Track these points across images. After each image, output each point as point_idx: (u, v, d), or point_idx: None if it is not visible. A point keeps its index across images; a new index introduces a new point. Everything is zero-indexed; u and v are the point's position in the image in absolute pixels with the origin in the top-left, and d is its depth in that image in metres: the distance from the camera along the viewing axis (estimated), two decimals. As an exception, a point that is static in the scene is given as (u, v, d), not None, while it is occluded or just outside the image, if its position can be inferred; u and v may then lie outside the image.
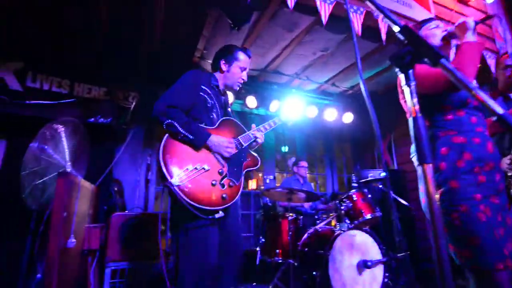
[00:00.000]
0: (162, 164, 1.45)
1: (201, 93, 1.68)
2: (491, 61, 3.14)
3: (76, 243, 2.21)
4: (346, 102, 4.81)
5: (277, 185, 4.93)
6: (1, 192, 2.96)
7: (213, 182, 1.54)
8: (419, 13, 2.83)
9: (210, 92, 1.74)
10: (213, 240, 1.54)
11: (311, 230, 3.03)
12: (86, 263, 2.66)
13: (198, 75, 1.75)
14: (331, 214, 3.40)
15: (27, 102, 2.99)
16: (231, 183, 1.60)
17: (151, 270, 2.79)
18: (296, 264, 2.83)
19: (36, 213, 2.56)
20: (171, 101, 1.55)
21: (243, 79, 1.86)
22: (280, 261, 2.99)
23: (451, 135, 1.31)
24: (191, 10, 2.64)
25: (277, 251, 3.04)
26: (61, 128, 2.68)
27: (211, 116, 1.71)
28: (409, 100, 0.66)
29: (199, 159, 1.55)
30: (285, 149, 5.23)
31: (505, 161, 1.73)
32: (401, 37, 0.69)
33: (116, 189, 3.53)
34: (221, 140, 1.61)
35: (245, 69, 1.85)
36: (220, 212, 1.50)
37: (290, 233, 2.92)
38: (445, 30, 1.46)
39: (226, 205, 1.53)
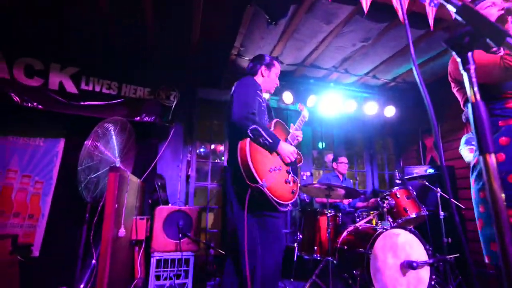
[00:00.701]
0: (252, 168, 1.64)
1: (257, 97, 1.88)
2: None
3: (126, 234, 2.37)
4: (388, 95, 4.57)
5: (314, 182, 4.85)
6: (61, 185, 3.27)
7: (286, 180, 1.83)
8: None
9: (263, 97, 1.97)
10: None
11: (350, 228, 2.94)
12: (134, 252, 2.85)
13: (254, 80, 1.98)
14: (371, 212, 3.27)
15: (82, 103, 3.27)
16: (295, 179, 1.89)
17: (199, 261, 2.91)
18: (335, 262, 2.77)
19: (90, 205, 2.80)
20: (250, 108, 1.74)
21: (277, 84, 2.14)
22: (319, 258, 2.94)
23: (511, 124, 1.19)
24: (230, 6, 2.68)
25: (315, 248, 3.00)
26: (111, 127, 2.88)
27: (265, 118, 1.93)
28: (467, 85, 0.61)
29: (274, 161, 1.80)
30: (322, 145, 5.11)
31: None
32: (459, 18, 0.63)
33: (159, 183, 3.72)
34: (288, 147, 1.85)
35: (278, 75, 2.15)
36: (290, 205, 1.76)
37: (329, 230, 2.86)
38: (502, 8, 1.31)
39: (294, 199, 1.84)
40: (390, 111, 4.49)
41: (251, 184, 1.64)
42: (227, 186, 1.87)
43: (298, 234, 3.19)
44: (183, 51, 3.63)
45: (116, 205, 2.17)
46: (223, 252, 3.28)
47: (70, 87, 3.25)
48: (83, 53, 3.46)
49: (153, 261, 2.84)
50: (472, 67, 0.60)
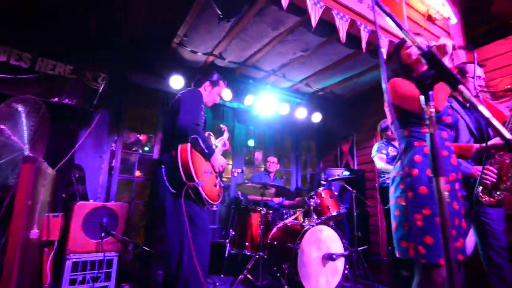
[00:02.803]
0: (191, 168, 1.89)
1: (201, 111, 2.13)
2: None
3: (38, 233, 2.04)
4: (316, 102, 5.00)
5: (245, 179, 4.99)
6: None
7: (215, 184, 2.11)
8: (396, 28, 3.03)
9: (203, 109, 2.18)
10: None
11: (280, 224, 3.14)
12: (43, 254, 2.47)
13: (200, 94, 2.16)
14: (298, 210, 3.55)
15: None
16: (221, 184, 2.18)
17: (121, 261, 2.68)
18: (265, 257, 2.92)
19: (-14, 199, 2.30)
20: (196, 120, 2.00)
21: (215, 101, 2.36)
22: (249, 254, 3.06)
23: (424, 145, 1.46)
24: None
25: (247, 244, 3.11)
26: (20, 107, 2.42)
27: (203, 130, 2.15)
28: (429, 118, 0.74)
29: (207, 166, 2.08)
30: (251, 143, 5.28)
31: (478, 168, 1.90)
32: (423, 60, 0.76)
33: (77, 175, 3.29)
34: (220, 159, 2.15)
35: (219, 93, 2.37)
36: (215, 206, 1.82)
37: (262, 226, 3.00)
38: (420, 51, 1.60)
39: (219, 202, 2.12)
40: (317, 117, 4.93)
41: (188, 182, 1.90)
42: (160, 181, 2.02)
43: (231, 231, 3.25)
44: (117, 30, 3.26)
45: (30, 202, 1.84)
46: (149, 250, 3.11)
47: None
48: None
49: (68, 263, 2.50)
50: (432, 104, 0.74)
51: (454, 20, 3.73)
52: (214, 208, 2.03)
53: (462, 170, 1.78)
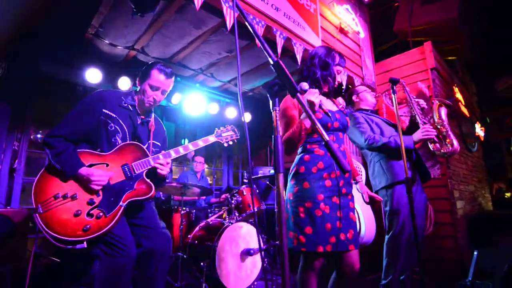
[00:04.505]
0: (32, 191, 1.48)
1: (102, 117, 1.67)
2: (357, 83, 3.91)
3: None
4: (246, 103, 5.13)
5: (174, 177, 4.87)
6: None
7: (78, 212, 1.51)
8: (311, 36, 3.29)
9: (114, 115, 1.70)
10: None
11: (202, 223, 3.16)
12: None
13: (101, 98, 1.71)
14: (223, 208, 3.62)
15: None
16: (100, 214, 1.54)
17: (18, 273, 2.39)
18: (185, 256, 2.90)
19: None
20: (56, 131, 1.59)
21: (154, 98, 1.78)
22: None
23: (314, 148, 1.64)
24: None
25: (167, 244, 3.05)
26: None
27: (113, 140, 1.68)
28: (274, 120, 0.83)
29: (68, 188, 1.55)
30: (184, 142, 5.19)
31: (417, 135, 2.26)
32: (273, 69, 0.85)
33: (-36, 178, 2.83)
34: (91, 172, 1.55)
35: (158, 88, 1.77)
36: (84, 243, 1.47)
37: (181, 226, 2.97)
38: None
39: (88, 237, 1.48)
40: (247, 117, 5.07)
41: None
42: None
43: (151, 232, 3.14)
44: (21, 13, 2.89)
45: None
46: (57, 260, 2.85)
47: None
48: None
49: None
50: (277, 109, 0.83)
51: (362, 34, 4.19)
52: (81, 245, 1.50)
53: (407, 145, 2.09)
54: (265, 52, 0.88)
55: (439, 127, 2.30)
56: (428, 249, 3.44)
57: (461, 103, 4.80)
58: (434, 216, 2.40)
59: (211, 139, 2.01)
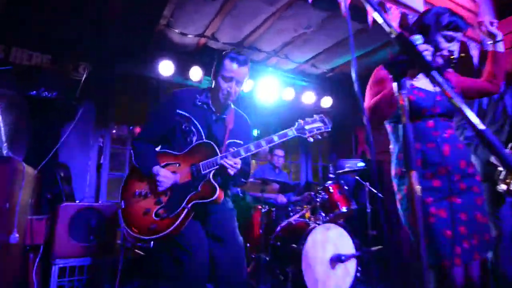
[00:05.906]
0: (121, 187, 1.78)
1: (177, 117, 1.83)
2: (474, 52, 3.41)
3: (19, 239, 2.16)
4: (325, 85, 4.97)
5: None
6: None
7: (147, 210, 1.68)
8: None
9: (188, 115, 1.82)
10: None
11: (284, 223, 3.20)
12: (28, 260, 2.60)
13: (175, 99, 1.87)
14: (305, 206, 3.59)
15: None
16: (164, 214, 1.65)
17: (111, 266, 2.80)
18: (267, 258, 2.99)
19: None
20: (139, 134, 1.90)
21: (228, 91, 1.79)
22: (251, 256, 3.14)
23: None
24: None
25: (248, 245, 3.19)
26: (-5, 102, 2.52)
27: (188, 140, 1.81)
28: (401, 107, 0.76)
29: (144, 187, 1.76)
30: (256, 133, 5.31)
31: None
32: (396, 44, 0.78)
33: (62, 174, 3.41)
34: (158, 172, 1.71)
35: (231, 78, 1.77)
36: (151, 242, 1.60)
37: (263, 226, 3.06)
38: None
39: (153, 237, 1.63)
40: (327, 102, 4.91)
41: None
42: None
43: (230, 231, 3.32)
44: (97, 13, 3.31)
45: (7, 205, 1.95)
46: (143, 253, 3.23)
47: None
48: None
49: (54, 269, 2.63)
50: (405, 92, 0.76)
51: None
52: (149, 244, 1.74)
53: None
54: (385, 22, 0.81)
55: None
56: None
57: None
58: None
59: (290, 133, 1.80)
